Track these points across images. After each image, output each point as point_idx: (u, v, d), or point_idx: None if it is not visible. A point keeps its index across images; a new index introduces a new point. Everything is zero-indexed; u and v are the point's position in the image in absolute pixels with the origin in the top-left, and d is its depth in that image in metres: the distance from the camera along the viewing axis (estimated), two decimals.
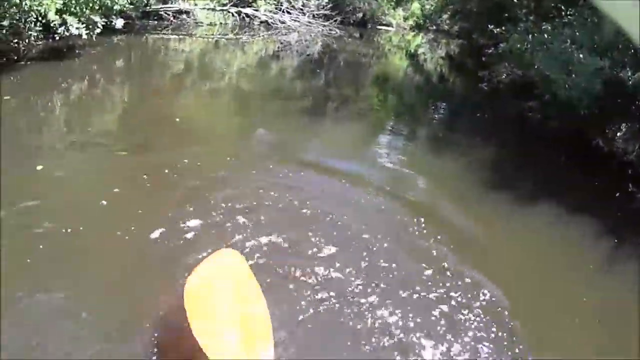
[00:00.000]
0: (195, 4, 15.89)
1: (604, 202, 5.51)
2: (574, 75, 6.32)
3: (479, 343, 2.98)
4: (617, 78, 6.04)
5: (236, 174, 4.98)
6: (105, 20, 9.78)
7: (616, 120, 6.68)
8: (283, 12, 18.21)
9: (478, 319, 3.18)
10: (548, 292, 3.81)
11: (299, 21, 18.47)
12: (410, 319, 3.06)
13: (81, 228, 3.61)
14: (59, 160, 4.99)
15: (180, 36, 14.12)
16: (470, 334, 3.04)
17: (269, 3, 18.10)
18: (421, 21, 23.86)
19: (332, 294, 3.23)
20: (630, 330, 3.33)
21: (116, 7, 9.98)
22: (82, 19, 8.80)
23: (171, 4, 15.17)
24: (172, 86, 9.21)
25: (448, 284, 3.49)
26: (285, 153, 6.02)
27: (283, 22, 17.96)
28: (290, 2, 18.49)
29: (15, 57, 8.21)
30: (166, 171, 4.81)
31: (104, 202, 4.04)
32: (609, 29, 5.71)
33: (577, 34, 6.96)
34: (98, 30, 9.30)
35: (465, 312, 3.23)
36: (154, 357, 2.61)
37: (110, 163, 5.03)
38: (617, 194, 5.72)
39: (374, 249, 3.85)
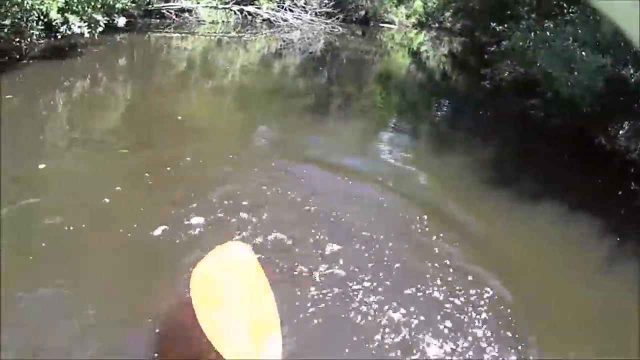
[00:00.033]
0: (198, 2, 15.87)
1: (606, 201, 5.49)
2: (576, 73, 6.28)
3: (483, 341, 2.97)
4: (619, 76, 6.01)
5: (239, 171, 4.98)
6: (108, 18, 9.78)
7: (618, 118, 6.66)
8: (285, 10, 18.21)
9: (482, 317, 3.17)
10: (548, 291, 3.80)
11: (301, 19, 18.47)
12: (414, 317, 3.05)
13: (83, 226, 3.62)
14: (61, 158, 5.01)
15: (183, 34, 14.11)
16: (475, 332, 3.03)
17: (271, 1, 18.09)
18: (423, 19, 23.75)
19: (336, 291, 3.22)
20: (631, 330, 3.31)
21: (118, 5, 9.98)
22: (84, 17, 8.80)
23: (173, 2, 15.17)
24: (175, 84, 9.21)
25: (451, 282, 3.48)
26: (288, 150, 6.03)
27: (285, 20, 17.96)
28: (293, 0, 18.48)
29: (18, 56, 8.23)
30: (168, 169, 4.82)
31: (107, 200, 4.05)
32: (608, 28, 5.69)
33: (579, 31, 6.93)
34: (100, 29, 9.30)
35: (470, 309, 3.22)
36: (157, 355, 2.59)
37: (113, 161, 5.03)
38: (619, 193, 5.71)
39: (378, 246, 3.84)
